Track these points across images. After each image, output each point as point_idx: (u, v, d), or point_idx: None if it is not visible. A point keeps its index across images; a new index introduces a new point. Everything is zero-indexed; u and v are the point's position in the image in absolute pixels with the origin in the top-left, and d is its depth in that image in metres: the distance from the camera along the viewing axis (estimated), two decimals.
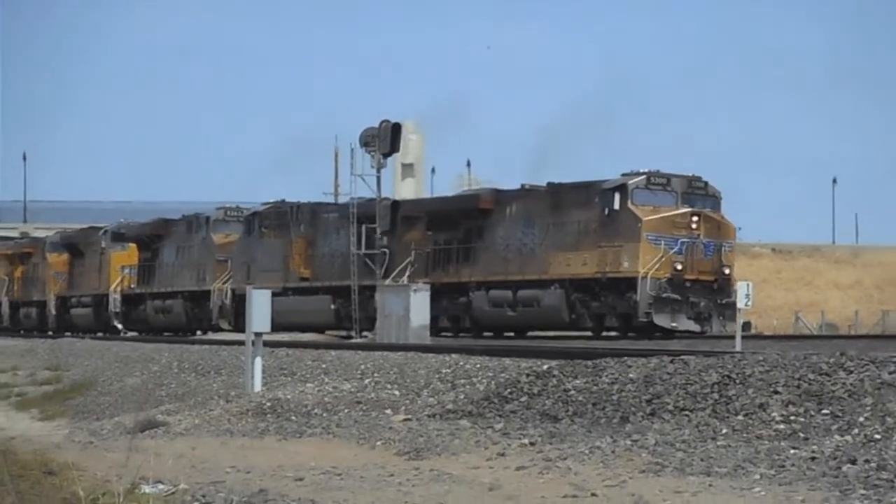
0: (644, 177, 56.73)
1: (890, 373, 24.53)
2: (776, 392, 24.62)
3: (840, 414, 22.77)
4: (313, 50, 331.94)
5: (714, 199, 57.68)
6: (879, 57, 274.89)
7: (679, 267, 54.81)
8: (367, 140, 73.68)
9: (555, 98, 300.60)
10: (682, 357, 29.54)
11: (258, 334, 37.51)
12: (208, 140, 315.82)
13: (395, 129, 73.77)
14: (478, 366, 34.93)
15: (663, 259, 54.70)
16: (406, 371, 36.05)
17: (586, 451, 22.93)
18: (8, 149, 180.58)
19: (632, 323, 54.49)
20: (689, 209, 56.15)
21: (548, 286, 58.41)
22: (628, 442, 23.42)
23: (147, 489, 19.25)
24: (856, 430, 21.72)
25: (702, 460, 21.29)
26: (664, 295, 54.16)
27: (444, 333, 62.55)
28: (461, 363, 36.33)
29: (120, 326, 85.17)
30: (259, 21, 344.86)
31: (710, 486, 19.44)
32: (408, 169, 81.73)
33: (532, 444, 24.33)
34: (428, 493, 19.81)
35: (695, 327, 53.44)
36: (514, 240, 61.41)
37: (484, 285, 61.76)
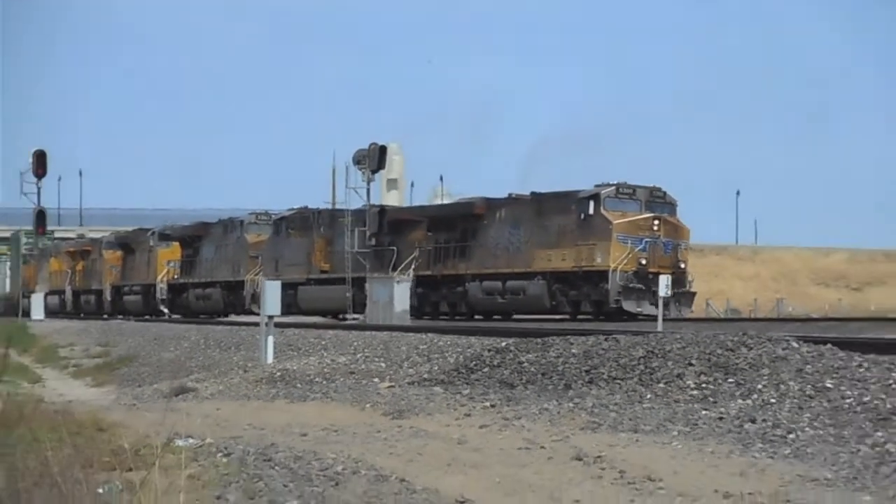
0: (613, 187, 56.98)
1: (783, 349, 24.43)
2: (690, 364, 24.49)
3: (742, 382, 22.64)
4: (323, 79, 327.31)
5: (671, 205, 58.04)
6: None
7: (643, 262, 55.10)
8: (359, 159, 74.19)
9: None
10: (615, 336, 29.40)
11: (270, 317, 37.53)
12: (230, 156, 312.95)
13: (382, 150, 74.40)
14: (449, 343, 34.81)
15: (630, 255, 54.98)
16: (390, 347, 35.92)
17: (536, 412, 22.81)
18: (66, 165, 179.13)
19: (603, 308, 54.35)
20: (651, 214, 56.41)
21: (532, 278, 58.40)
22: (570, 405, 23.31)
23: (180, 443, 19.10)
24: (755, 396, 21.59)
25: (630, 420, 21.17)
26: (631, 285, 54.50)
27: (442, 317, 62.80)
28: (435, 341, 36.20)
29: (165, 310, 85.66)
30: (274, 58, 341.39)
31: (637, 440, 19.31)
32: (392, 183, 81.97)
33: (493, 406, 24.21)
34: (408, 447, 19.66)
35: (656, 312, 51.83)
36: (503, 239, 61.45)
37: (478, 277, 61.64)
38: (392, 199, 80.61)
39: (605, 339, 28.55)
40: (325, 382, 30.50)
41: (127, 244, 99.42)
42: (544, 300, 57.35)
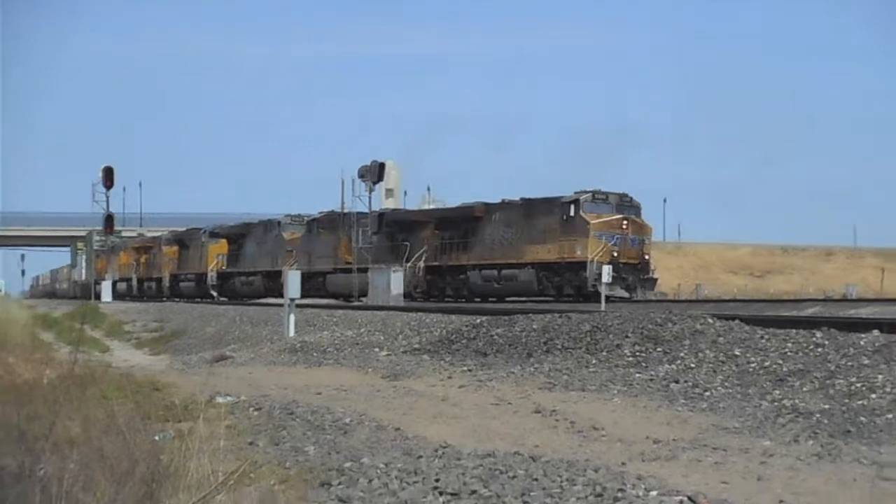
0: (590, 193, 56.92)
1: (701, 324, 24.48)
2: (627, 336, 24.49)
3: (668, 351, 22.66)
4: (334, 107, 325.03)
5: (637, 208, 57.92)
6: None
7: (615, 254, 54.98)
8: (363, 173, 74.28)
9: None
10: (567, 314, 29.38)
11: (292, 299, 37.52)
12: (259, 168, 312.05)
13: (381, 166, 74.47)
14: (435, 320, 34.79)
15: (604, 249, 54.81)
16: (388, 323, 35.90)
17: (504, 375, 22.80)
18: (128, 176, 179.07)
19: (582, 291, 54.06)
20: (621, 216, 56.40)
21: (523, 267, 58.23)
22: (531, 369, 23.29)
23: (220, 399, 19.11)
24: (678, 361, 21.60)
25: (579, 381, 21.16)
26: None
27: (447, 299, 62.26)
28: (423, 318, 36.17)
29: (215, 294, 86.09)
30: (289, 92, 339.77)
31: (584, 398, 19.30)
32: (389, 192, 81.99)
33: (469, 370, 24.18)
34: (402, 402, 19.65)
35: (625, 294, 53.50)
36: (498, 236, 61.16)
37: (477, 267, 61.44)
38: (389, 205, 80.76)
39: (560, 317, 28.56)
40: (335, 352, 30.50)
41: (182, 241, 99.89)
42: (533, 285, 57.10)
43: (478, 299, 60.65)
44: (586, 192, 57.29)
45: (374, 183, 74.51)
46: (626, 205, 57.33)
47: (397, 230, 69.31)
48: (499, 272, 60.30)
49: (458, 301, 59.52)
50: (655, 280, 58.85)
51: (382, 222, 72.63)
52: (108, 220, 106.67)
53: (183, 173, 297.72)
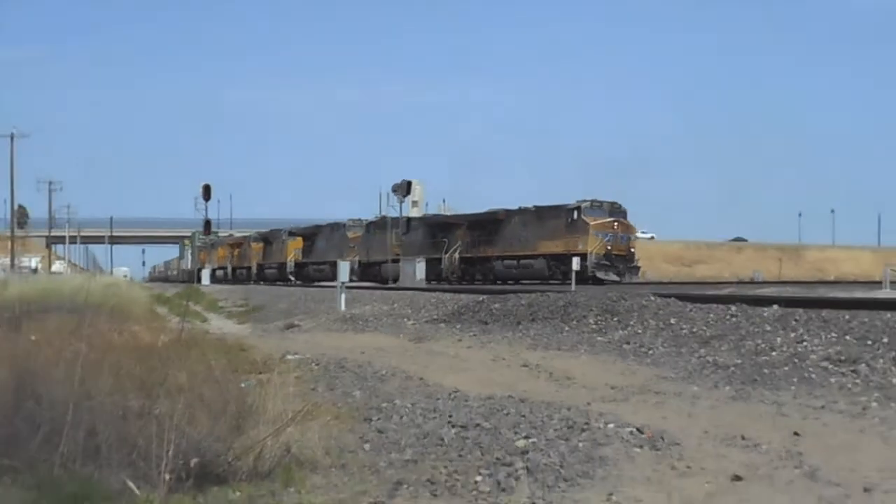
0: (589, 202, 56.60)
1: (646, 301, 24.46)
2: (591, 310, 24.47)
3: (622, 320, 22.63)
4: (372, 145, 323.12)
5: (624, 213, 57.16)
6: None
7: (609, 247, 54.77)
8: (395, 189, 74.32)
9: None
10: (547, 293, 29.38)
11: (343, 283, 37.69)
12: (316, 181, 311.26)
13: (409, 183, 74.59)
14: (449, 298, 34.78)
15: (601, 244, 54.59)
16: (414, 300, 35.89)
17: (500, 339, 22.79)
18: (223, 191, 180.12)
19: (584, 276, 52.30)
20: (613, 219, 56.01)
21: (536, 258, 57.86)
22: (520, 334, 23.28)
23: (289, 357, 19.14)
24: (629, 328, 21.57)
25: (556, 343, 21.14)
26: (601, 262, 54.26)
27: (476, 282, 61.62)
28: (441, 297, 36.16)
29: (292, 278, 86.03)
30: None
31: (559, 355, 19.28)
32: (414, 203, 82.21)
33: (474, 335, 24.18)
34: (425, 359, 19.66)
35: (616, 279, 53.03)
36: (517, 234, 60.54)
37: (501, 258, 60.89)
38: (414, 213, 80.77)
39: (541, 295, 28.56)
40: (375, 321, 30.50)
41: (266, 238, 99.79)
42: (544, 271, 56.60)
43: (499, 282, 59.91)
44: (586, 200, 56.91)
45: (403, 196, 74.68)
46: (616, 210, 56.78)
47: (438, 230, 68.54)
48: (517, 262, 59.74)
49: (486, 284, 58.71)
50: (639, 268, 58.26)
51: (410, 225, 72.54)
52: (207, 224, 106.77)
53: (263, 186, 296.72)
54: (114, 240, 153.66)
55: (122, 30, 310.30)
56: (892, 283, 35.07)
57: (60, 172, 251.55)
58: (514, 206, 62.55)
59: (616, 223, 56.05)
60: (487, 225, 63.55)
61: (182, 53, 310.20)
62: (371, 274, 71.38)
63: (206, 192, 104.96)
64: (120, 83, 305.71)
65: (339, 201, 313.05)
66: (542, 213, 59.39)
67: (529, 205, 61.18)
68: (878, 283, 36.56)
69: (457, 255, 64.65)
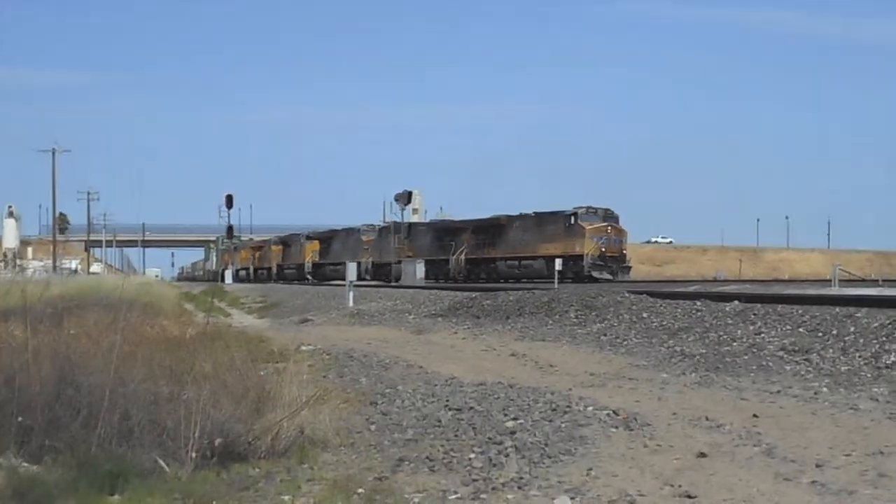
0: (585, 208, 55.80)
1: (621, 297, 24.45)
2: (572, 305, 24.47)
3: (600, 314, 22.62)
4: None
5: (616, 218, 56.30)
6: None
7: (603, 249, 53.98)
8: (397, 198, 74.31)
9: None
10: (532, 290, 29.40)
11: (351, 281, 37.71)
12: (323, 192, 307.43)
13: (409, 193, 74.64)
14: (445, 295, 34.77)
15: (595, 246, 53.79)
16: (414, 297, 35.87)
17: (491, 331, 22.78)
18: (244, 200, 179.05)
19: (580, 275, 52.43)
20: (606, 223, 55.17)
21: (536, 259, 56.91)
22: (509, 327, 23.28)
23: (304, 348, 19.08)
24: (606, 321, 21.57)
25: (541, 335, 21.14)
26: (596, 262, 53.47)
27: (480, 280, 59.90)
28: (438, 293, 36.17)
29: (310, 278, 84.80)
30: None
31: (544, 346, 19.28)
32: (415, 211, 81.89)
33: (468, 328, 24.18)
34: (424, 348, 19.69)
35: (609, 277, 52.02)
36: (518, 238, 59.59)
37: (503, 259, 59.96)
38: (414, 220, 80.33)
39: (527, 292, 28.55)
40: (379, 316, 30.47)
41: (285, 242, 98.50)
42: (544, 271, 55.11)
43: (502, 280, 58.60)
44: (582, 207, 56.16)
45: (405, 204, 74.62)
46: (609, 216, 55.95)
47: (445, 234, 67.56)
48: (519, 262, 58.94)
49: (489, 282, 57.25)
50: (630, 267, 57.03)
51: (411, 231, 72.14)
52: (229, 230, 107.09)
53: (279, 195, 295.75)
54: (146, 243, 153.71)
55: (156, 52, 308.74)
56: (840, 281, 35.09)
57: (98, 183, 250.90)
58: (515, 213, 61.98)
59: (609, 227, 55.21)
60: (491, 229, 62.69)
61: (205, 73, 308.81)
62: (383, 273, 70.72)
63: (229, 201, 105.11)
64: (153, 104, 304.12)
65: (346, 210, 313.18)
66: (541, 219, 58.68)
67: (529, 211, 60.69)
68: (827, 282, 36.56)
69: (463, 257, 63.81)
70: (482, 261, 62.33)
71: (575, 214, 55.50)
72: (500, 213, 63.19)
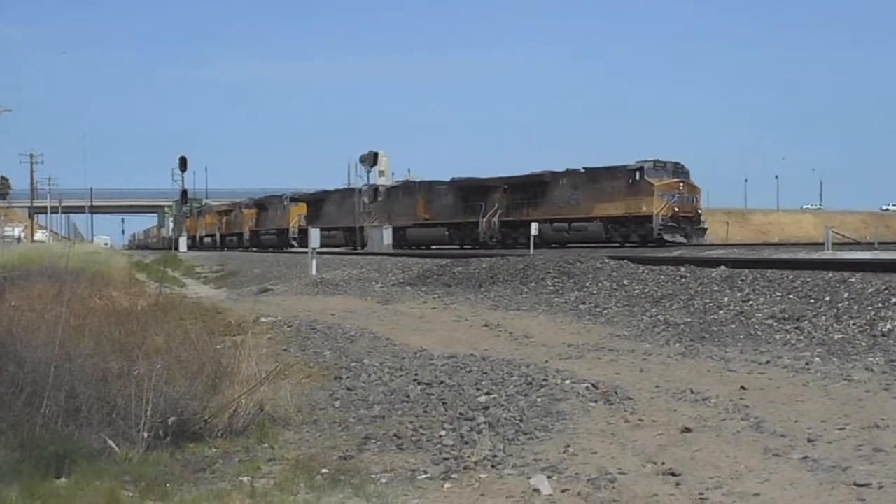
0: (651, 162, 51.39)
1: (600, 263, 24.54)
2: (549, 272, 24.52)
3: (578, 282, 22.68)
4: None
5: (687, 173, 52.13)
6: None
7: (676, 209, 49.79)
8: (362, 159, 73.79)
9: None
10: (506, 257, 29.45)
11: (313, 248, 37.55)
12: (285, 153, 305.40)
13: (375, 154, 74.01)
14: (414, 262, 34.77)
15: (667, 205, 49.71)
16: (381, 265, 35.86)
17: (463, 300, 22.82)
18: (198, 163, 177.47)
19: (648, 239, 49.23)
20: (678, 179, 50.96)
21: (591, 221, 52.87)
22: (482, 296, 23.31)
23: (263, 319, 19.07)
24: (585, 289, 21.63)
25: (515, 304, 21.19)
26: (668, 224, 49.51)
27: (519, 245, 55.07)
28: (406, 261, 36.18)
29: (296, 244, 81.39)
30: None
31: (519, 315, 19.33)
32: (381, 173, 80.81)
33: (438, 297, 24.18)
34: (391, 320, 19.66)
35: (683, 240, 48.54)
36: (566, 197, 55.42)
37: (548, 221, 54.93)
38: (381, 182, 79.01)
39: (501, 259, 28.63)
40: (344, 284, 30.39)
41: (262, 204, 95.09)
42: (601, 235, 51.89)
43: (552, 245, 53.96)
44: (648, 161, 52.03)
45: (371, 166, 74.02)
46: (680, 171, 52.05)
47: (471, 193, 62.91)
48: (569, 225, 54.66)
49: (527, 248, 51.03)
50: (706, 229, 53.42)
51: (377, 194, 70.83)
52: (184, 194, 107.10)
53: (234, 158, 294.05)
54: (94, 209, 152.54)
55: (102, 8, 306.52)
56: (833, 244, 35.25)
57: (42, 146, 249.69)
58: (561, 169, 58.19)
59: (681, 184, 51.56)
60: (531, 187, 58.61)
61: (158, 30, 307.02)
62: (394, 238, 66.21)
63: (183, 163, 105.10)
64: (99, 61, 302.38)
65: (309, 173, 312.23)
66: (595, 175, 54.62)
67: (578, 167, 57.12)
68: (820, 245, 36.74)
69: (497, 220, 59.97)
70: (520, 223, 57.53)
71: (640, 169, 51.75)
72: (543, 170, 59.13)
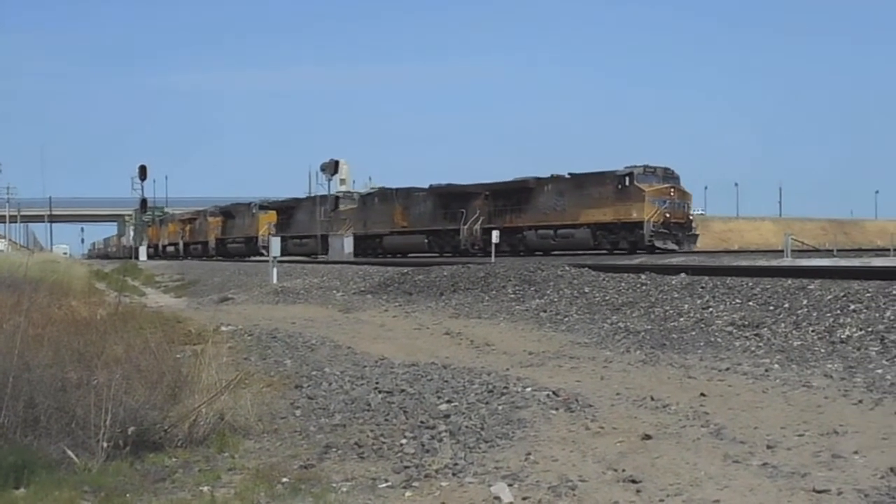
0: (642, 167, 50.71)
1: (561, 271, 24.64)
2: (510, 280, 24.58)
3: (539, 289, 22.74)
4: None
5: (677, 178, 51.51)
6: None
7: (667, 215, 49.12)
8: (323, 167, 73.63)
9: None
10: (468, 265, 29.53)
11: (275, 257, 37.37)
12: (245, 162, 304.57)
13: (336, 162, 73.93)
14: (375, 270, 34.77)
15: (658, 211, 49.05)
16: (342, 273, 35.82)
17: (424, 309, 22.83)
18: (158, 172, 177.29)
19: (638, 246, 48.80)
20: (668, 185, 50.37)
21: (578, 227, 52.12)
22: (443, 304, 23.35)
23: (224, 328, 19.02)
24: (546, 297, 21.69)
25: (476, 312, 21.22)
26: (660, 230, 48.80)
27: (504, 253, 52.80)
28: (367, 269, 36.15)
29: (265, 252, 79.97)
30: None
31: (480, 323, 19.36)
32: (342, 181, 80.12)
33: (399, 305, 24.21)
34: (353, 327, 19.64)
35: (675, 247, 48.01)
36: (551, 203, 54.44)
37: (533, 228, 54.73)
38: (342, 190, 78.50)
39: (462, 267, 28.73)
40: (305, 293, 30.36)
41: (228, 212, 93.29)
42: (589, 242, 51.48)
43: (535, 253, 53.50)
44: (638, 166, 51.44)
45: (332, 175, 73.91)
46: (670, 176, 51.55)
47: (451, 200, 61.69)
48: (555, 232, 53.94)
49: (516, 254, 52.66)
50: (697, 236, 52.75)
51: (337, 203, 70.55)
52: (143, 203, 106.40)
53: (193, 168, 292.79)
54: (53, 218, 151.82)
55: (59, 17, 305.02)
56: (793, 251, 35.50)
57: (0, 155, 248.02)
58: (545, 175, 57.54)
59: (672, 189, 51.00)
60: (514, 194, 57.75)
61: (116, 39, 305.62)
62: (370, 247, 65.92)
63: (143, 172, 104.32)
64: (56, 70, 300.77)
65: (271, 183, 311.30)
66: (582, 181, 54.00)
67: (562, 172, 56.54)
68: (780, 252, 36.98)
69: (478, 227, 58.97)
70: (505, 231, 56.08)
71: (630, 175, 51.12)
72: (526, 176, 58.51)
